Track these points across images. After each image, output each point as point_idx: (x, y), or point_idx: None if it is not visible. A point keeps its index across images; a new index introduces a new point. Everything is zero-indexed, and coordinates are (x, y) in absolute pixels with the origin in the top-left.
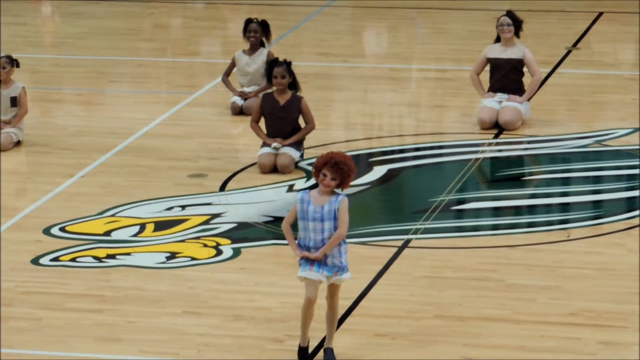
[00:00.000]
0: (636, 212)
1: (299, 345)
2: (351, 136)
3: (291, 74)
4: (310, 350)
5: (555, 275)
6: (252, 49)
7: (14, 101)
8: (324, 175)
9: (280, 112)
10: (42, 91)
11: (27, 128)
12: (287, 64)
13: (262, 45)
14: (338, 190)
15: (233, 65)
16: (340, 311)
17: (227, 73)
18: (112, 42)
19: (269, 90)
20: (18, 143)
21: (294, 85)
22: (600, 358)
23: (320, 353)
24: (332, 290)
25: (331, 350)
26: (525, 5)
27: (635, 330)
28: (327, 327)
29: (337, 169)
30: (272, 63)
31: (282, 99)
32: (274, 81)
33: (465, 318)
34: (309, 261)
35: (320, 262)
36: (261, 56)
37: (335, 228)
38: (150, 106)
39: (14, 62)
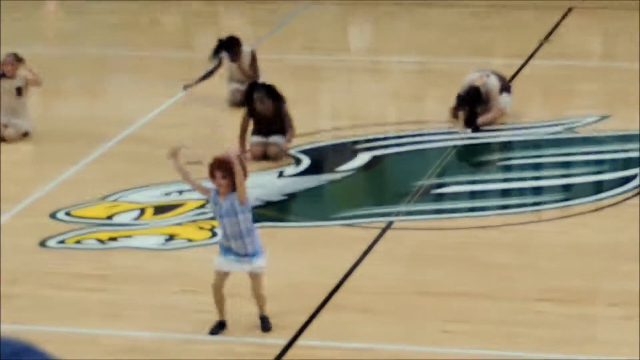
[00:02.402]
0: (603, 195)
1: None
2: (337, 125)
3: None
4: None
5: (528, 254)
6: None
7: (20, 91)
8: (214, 177)
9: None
10: (47, 84)
11: (33, 119)
12: (268, 88)
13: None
14: None
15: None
16: (327, 289)
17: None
18: (113, 36)
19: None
20: (26, 134)
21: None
22: (570, 331)
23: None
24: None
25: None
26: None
27: (603, 304)
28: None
29: (223, 168)
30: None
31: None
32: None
33: (444, 294)
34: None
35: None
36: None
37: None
38: (149, 97)
39: (19, 59)
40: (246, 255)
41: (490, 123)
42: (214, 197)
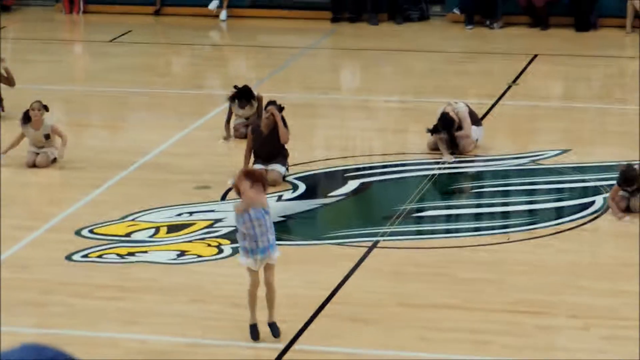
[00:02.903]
0: (563, 220)
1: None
2: (330, 155)
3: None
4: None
5: (498, 271)
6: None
7: (47, 137)
8: (245, 192)
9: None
10: (74, 117)
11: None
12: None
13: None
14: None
15: (231, 112)
16: (319, 300)
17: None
18: (132, 77)
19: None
20: (54, 160)
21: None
22: (535, 339)
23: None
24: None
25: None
26: (473, 48)
27: (564, 316)
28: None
29: (255, 176)
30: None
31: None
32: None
33: (423, 306)
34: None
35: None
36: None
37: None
38: (163, 130)
39: (44, 107)
40: (269, 246)
41: (463, 152)
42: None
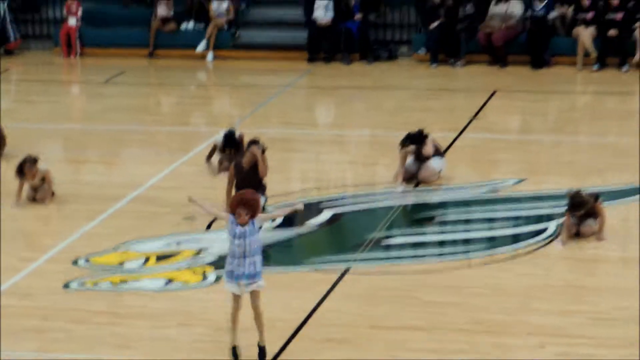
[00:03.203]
0: (520, 245)
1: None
2: (306, 187)
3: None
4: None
5: (460, 294)
6: None
7: (43, 180)
8: (239, 214)
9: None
10: (72, 154)
11: (61, 182)
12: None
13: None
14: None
15: (214, 150)
16: (296, 322)
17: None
18: (125, 116)
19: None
20: (53, 194)
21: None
22: (493, 357)
23: None
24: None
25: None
26: (438, 86)
27: (521, 335)
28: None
29: (249, 206)
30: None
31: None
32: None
33: (391, 327)
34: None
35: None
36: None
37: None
38: (154, 165)
39: (34, 160)
40: (255, 274)
41: (427, 182)
42: (232, 223)
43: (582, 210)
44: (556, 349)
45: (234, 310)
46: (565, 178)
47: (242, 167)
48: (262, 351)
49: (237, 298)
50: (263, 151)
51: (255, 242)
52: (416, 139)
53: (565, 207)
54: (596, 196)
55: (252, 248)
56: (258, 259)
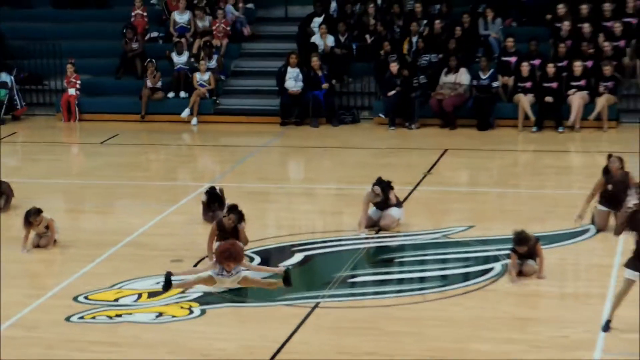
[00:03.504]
0: (469, 282)
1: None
2: (280, 233)
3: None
4: None
5: (417, 325)
6: None
7: (47, 227)
8: (228, 265)
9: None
10: (71, 205)
11: (62, 230)
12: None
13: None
14: None
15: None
16: (272, 351)
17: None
18: (119, 172)
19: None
20: (55, 242)
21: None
22: None
23: None
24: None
25: None
26: (395, 145)
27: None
28: None
29: (235, 258)
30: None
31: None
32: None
33: (357, 354)
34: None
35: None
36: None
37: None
38: (145, 215)
39: (39, 211)
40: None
41: (387, 229)
42: (219, 273)
43: (526, 246)
44: None
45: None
46: (509, 225)
47: (224, 228)
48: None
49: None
50: (240, 219)
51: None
52: (384, 185)
53: (510, 249)
54: (537, 239)
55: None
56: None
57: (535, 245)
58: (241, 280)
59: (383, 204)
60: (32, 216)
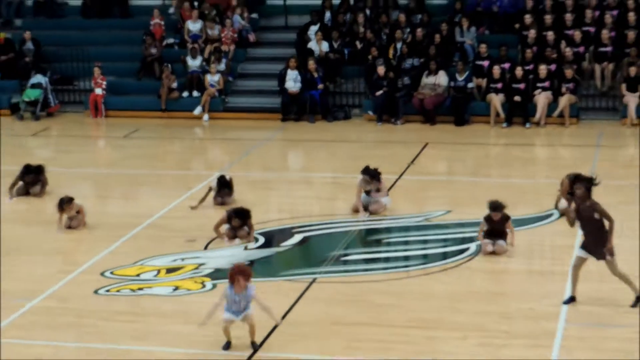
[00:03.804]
0: (448, 261)
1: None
2: (281, 217)
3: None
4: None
5: (401, 298)
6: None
7: (78, 212)
8: (238, 280)
9: None
10: (99, 192)
11: (90, 213)
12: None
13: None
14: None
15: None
16: (273, 323)
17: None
18: (141, 162)
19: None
20: (84, 224)
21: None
22: (425, 346)
23: None
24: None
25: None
26: (382, 139)
27: (447, 329)
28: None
29: (246, 275)
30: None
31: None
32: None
33: (348, 323)
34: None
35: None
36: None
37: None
38: (162, 200)
39: (71, 198)
40: (245, 309)
41: (375, 213)
42: (230, 292)
43: (500, 213)
44: (475, 340)
45: (225, 326)
46: (482, 210)
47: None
48: (254, 346)
49: (228, 323)
50: (246, 216)
51: (247, 301)
52: (373, 174)
53: (484, 218)
54: (508, 216)
55: (245, 305)
56: (249, 308)
57: (506, 222)
58: (247, 317)
59: (379, 189)
60: (65, 204)
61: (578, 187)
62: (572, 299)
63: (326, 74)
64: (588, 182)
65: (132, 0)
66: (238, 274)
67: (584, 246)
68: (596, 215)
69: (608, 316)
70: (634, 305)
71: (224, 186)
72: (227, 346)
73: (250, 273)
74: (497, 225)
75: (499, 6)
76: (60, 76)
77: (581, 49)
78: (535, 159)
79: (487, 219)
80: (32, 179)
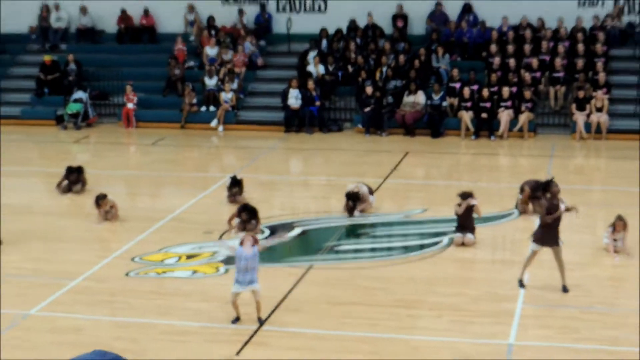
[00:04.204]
0: (425, 250)
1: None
2: (283, 213)
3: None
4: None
5: (385, 281)
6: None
7: (112, 206)
8: (245, 244)
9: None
10: (130, 190)
11: (123, 209)
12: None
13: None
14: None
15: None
16: (278, 299)
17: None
18: (165, 166)
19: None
20: (117, 216)
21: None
22: (408, 322)
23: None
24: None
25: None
26: (370, 148)
27: (425, 309)
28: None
29: (254, 239)
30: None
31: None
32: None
33: (340, 303)
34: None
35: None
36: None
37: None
38: (183, 198)
39: (106, 195)
40: (251, 282)
41: (364, 211)
42: (239, 250)
43: (472, 198)
44: (449, 318)
45: (233, 300)
46: (454, 208)
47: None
48: (260, 320)
49: (236, 295)
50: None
51: (254, 262)
52: (352, 196)
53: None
54: (472, 206)
55: (256, 264)
56: (255, 272)
57: (470, 214)
58: (255, 293)
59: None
60: (101, 200)
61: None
62: (522, 283)
63: (322, 93)
64: (547, 186)
65: (159, 28)
66: (247, 236)
67: (538, 240)
68: (562, 208)
69: (557, 299)
70: (564, 291)
71: (235, 185)
72: (236, 320)
73: (257, 239)
74: (463, 220)
75: (469, 37)
76: (98, 92)
77: (538, 74)
78: (499, 166)
79: (456, 213)
80: (74, 178)
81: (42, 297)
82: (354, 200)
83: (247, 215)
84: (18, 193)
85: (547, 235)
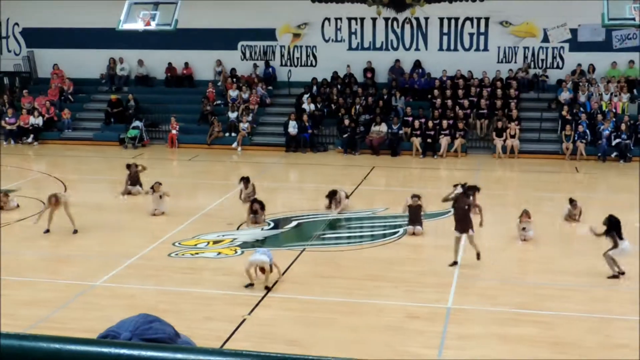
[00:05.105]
0: (386, 239)
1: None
2: (284, 210)
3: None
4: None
5: (357, 261)
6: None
7: (161, 197)
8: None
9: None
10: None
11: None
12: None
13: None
14: None
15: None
16: (275, 276)
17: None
18: (199, 175)
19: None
20: (163, 213)
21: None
22: (372, 292)
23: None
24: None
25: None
26: (347, 163)
27: (387, 282)
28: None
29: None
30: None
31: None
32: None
33: (326, 277)
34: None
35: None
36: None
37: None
38: (211, 198)
39: (160, 184)
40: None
41: (342, 210)
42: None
43: (472, 192)
44: (403, 289)
45: (248, 269)
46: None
47: (253, 206)
48: (267, 288)
49: (253, 264)
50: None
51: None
52: (332, 194)
53: (407, 220)
54: (420, 205)
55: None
56: (271, 256)
57: (420, 210)
58: (273, 265)
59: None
60: (155, 185)
61: (468, 192)
62: (455, 263)
63: (313, 124)
64: (474, 189)
65: (196, 76)
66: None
67: (457, 228)
68: (465, 207)
69: (481, 274)
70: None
71: (247, 182)
72: (250, 286)
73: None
74: (414, 215)
75: (418, 84)
76: (151, 122)
77: (468, 110)
78: (440, 177)
79: (409, 206)
80: (134, 181)
81: (106, 272)
82: (331, 195)
83: (258, 205)
84: (90, 194)
85: (459, 225)
